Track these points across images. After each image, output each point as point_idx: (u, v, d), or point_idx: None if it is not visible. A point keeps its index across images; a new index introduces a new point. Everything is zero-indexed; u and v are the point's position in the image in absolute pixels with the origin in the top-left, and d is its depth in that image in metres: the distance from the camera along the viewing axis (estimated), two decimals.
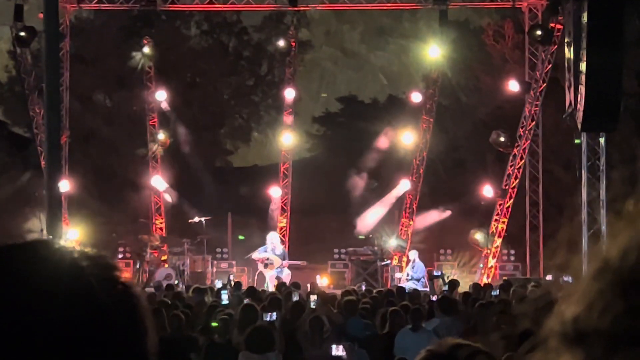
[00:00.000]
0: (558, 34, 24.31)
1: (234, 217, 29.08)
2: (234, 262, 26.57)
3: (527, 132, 25.99)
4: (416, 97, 27.30)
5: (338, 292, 17.95)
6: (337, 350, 9.84)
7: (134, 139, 28.47)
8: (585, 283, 1.04)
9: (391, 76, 44.09)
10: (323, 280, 24.35)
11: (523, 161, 26.25)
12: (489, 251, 25.98)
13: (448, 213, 27.72)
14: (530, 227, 26.72)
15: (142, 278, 24.57)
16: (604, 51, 18.19)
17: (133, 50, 27.45)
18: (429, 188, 28.13)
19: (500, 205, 26.12)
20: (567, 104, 21.27)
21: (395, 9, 30.02)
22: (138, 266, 25.22)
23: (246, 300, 13.97)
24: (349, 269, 25.83)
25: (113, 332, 1.27)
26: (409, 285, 22.10)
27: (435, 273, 23.23)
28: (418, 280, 23.79)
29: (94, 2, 26.74)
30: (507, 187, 26.08)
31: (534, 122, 26.03)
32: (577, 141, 20.25)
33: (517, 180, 26.23)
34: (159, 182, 27.38)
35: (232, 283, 20.87)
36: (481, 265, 26.16)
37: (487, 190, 26.40)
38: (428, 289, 22.25)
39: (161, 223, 27.43)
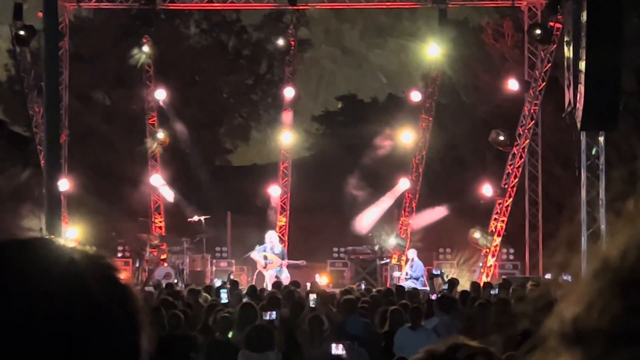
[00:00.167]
0: (557, 32, 24.32)
1: (233, 216, 29.09)
2: (233, 261, 26.57)
3: (526, 131, 26.00)
4: (415, 96, 27.31)
5: (337, 291, 17.96)
6: (337, 349, 9.85)
7: (133, 137, 28.46)
8: (584, 283, 1.04)
9: (390, 75, 44.09)
10: (322, 279, 24.36)
11: (522, 160, 26.26)
12: (488, 250, 25.99)
13: (445, 212, 27.72)
14: (530, 226, 26.73)
15: (141, 277, 24.57)
16: (603, 50, 18.18)
17: (132, 49, 27.43)
18: (428, 187, 28.13)
19: (499, 204, 26.13)
20: (567, 102, 21.27)
21: (394, 8, 30.04)
22: (137, 265, 25.22)
23: (245, 299, 13.99)
24: (348, 268, 25.83)
25: (108, 329, 1.27)
26: (407, 284, 22.11)
27: (434, 272, 23.27)
28: (417, 279, 23.80)
29: (93, 1, 26.73)
30: (506, 186, 26.09)
31: (533, 121, 26.04)
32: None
33: (517, 179, 26.24)
34: (158, 180, 27.38)
35: (223, 283, 20.93)
36: (480, 264, 26.17)
37: (487, 189, 26.40)
38: (427, 288, 22.28)
39: (160, 222, 27.43)
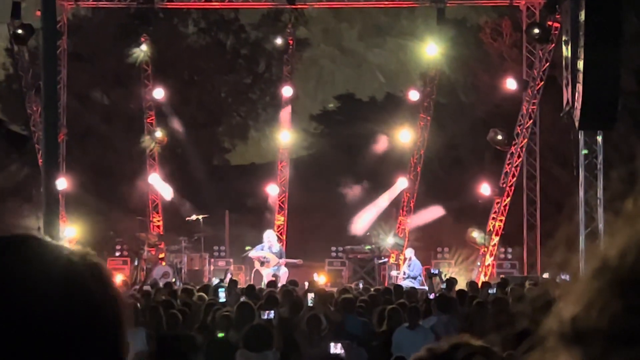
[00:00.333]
0: (556, 32, 24.33)
1: (231, 215, 29.08)
2: (231, 260, 26.57)
3: (524, 130, 26.01)
4: (414, 95, 27.31)
5: (335, 290, 17.96)
6: (336, 348, 9.85)
7: (131, 137, 28.45)
8: (583, 282, 1.03)
9: (389, 74, 44.06)
10: (320, 278, 24.35)
11: (521, 159, 26.27)
12: (486, 249, 25.99)
13: (443, 211, 27.74)
14: (528, 225, 26.73)
15: (139, 276, 24.56)
16: (602, 49, 18.19)
17: (131, 48, 27.41)
18: (426, 186, 28.14)
19: (497, 203, 26.14)
20: (565, 102, 21.28)
21: (393, 7, 30.05)
22: (136, 263, 25.21)
23: (242, 298, 13.99)
24: (346, 267, 25.82)
25: (89, 326, 1.27)
26: (405, 283, 22.11)
27: (432, 271, 23.27)
28: (414, 278, 23.81)
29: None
30: (504, 185, 26.10)
31: (531, 120, 26.05)
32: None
33: (515, 179, 26.26)
34: (156, 179, 27.38)
35: (229, 280, 20.90)
36: (478, 264, 26.18)
37: (485, 189, 26.41)
38: (425, 287, 22.29)
39: (159, 221, 27.43)
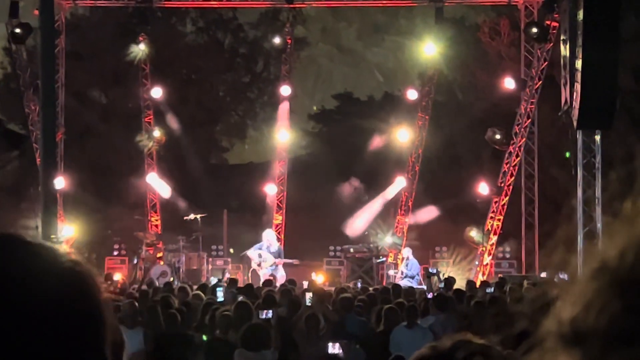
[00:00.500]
0: (554, 31, 24.34)
1: (229, 214, 29.07)
2: (229, 260, 26.57)
3: (522, 129, 26.02)
4: (412, 95, 27.33)
5: (333, 289, 17.94)
6: (334, 348, 9.85)
7: (129, 136, 28.44)
8: (582, 283, 1.03)
9: (387, 73, 44.07)
10: (319, 278, 24.35)
11: (519, 159, 26.28)
12: (484, 249, 26.00)
13: (441, 211, 27.77)
14: (526, 224, 26.75)
15: (137, 275, 24.55)
16: (600, 48, 18.20)
17: (129, 47, 27.40)
18: (424, 185, 28.14)
19: (495, 202, 26.15)
20: (563, 101, 21.29)
21: (391, 6, 30.05)
22: (135, 262, 25.20)
23: (240, 298, 13.98)
24: (344, 266, 25.82)
25: (74, 322, 1.27)
26: (403, 282, 22.12)
27: (430, 270, 23.28)
28: (412, 277, 23.82)
29: None
30: (502, 185, 26.11)
31: (529, 120, 26.07)
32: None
33: (513, 178, 26.27)
34: (154, 178, 27.38)
35: (227, 279, 20.90)
36: (477, 263, 26.19)
37: (483, 188, 26.43)
38: (423, 286, 22.29)
39: (156, 220, 27.43)
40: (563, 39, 21.37)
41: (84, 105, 30.87)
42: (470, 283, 19.16)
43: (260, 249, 23.86)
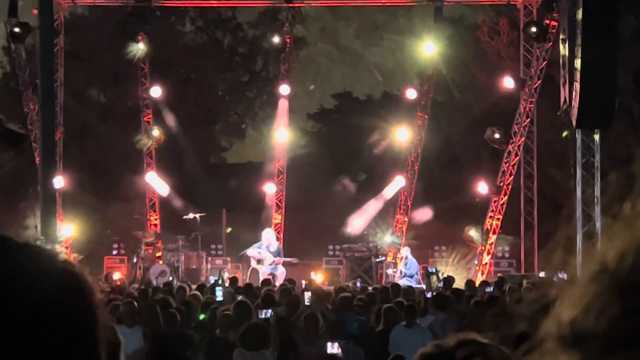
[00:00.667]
0: (553, 30, 24.34)
1: (228, 213, 29.07)
2: (228, 259, 26.56)
3: (522, 129, 26.02)
4: (411, 94, 27.33)
5: (332, 288, 17.94)
6: (333, 348, 9.85)
7: (128, 135, 28.43)
8: (582, 285, 1.03)
9: (386, 73, 44.03)
10: (318, 277, 24.36)
11: (518, 158, 26.29)
12: (483, 248, 26.01)
13: (440, 210, 27.81)
14: (525, 223, 26.76)
15: (137, 275, 24.55)
16: (599, 48, 18.19)
17: (129, 46, 27.39)
18: (423, 185, 28.15)
19: (494, 202, 26.16)
20: (562, 100, 21.28)
21: (390, 5, 30.05)
22: (135, 260, 25.20)
23: (240, 297, 13.97)
24: (343, 266, 25.82)
25: (68, 322, 1.27)
26: (402, 282, 22.12)
27: (430, 270, 23.27)
28: (411, 276, 23.83)
29: None
30: (501, 184, 26.11)
31: (528, 119, 26.07)
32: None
33: (512, 177, 26.27)
34: (153, 178, 27.37)
35: (223, 279, 20.90)
36: (476, 262, 26.19)
37: (482, 187, 26.43)
38: (422, 285, 22.29)
39: (155, 219, 27.42)
40: (562, 39, 21.37)
41: (83, 104, 30.85)
42: (469, 282, 19.16)
43: (259, 247, 23.87)
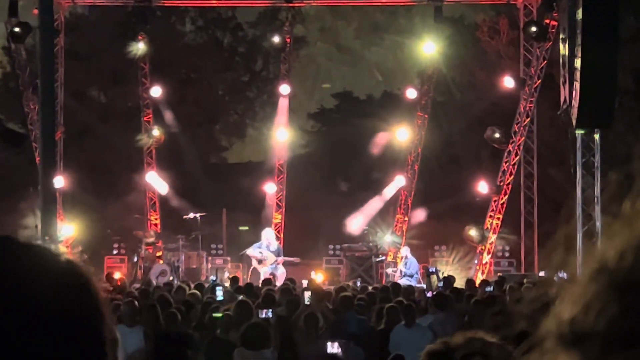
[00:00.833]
0: (553, 30, 24.34)
1: (228, 213, 29.06)
2: (229, 258, 26.56)
3: (522, 128, 26.02)
4: (411, 94, 27.32)
5: (332, 288, 17.94)
6: (332, 347, 9.85)
7: (128, 135, 28.43)
8: (582, 284, 1.04)
9: (386, 72, 44.03)
10: (318, 277, 24.35)
11: (518, 157, 26.28)
12: (483, 247, 26.01)
13: (435, 212, 27.86)
14: (525, 223, 26.76)
15: (137, 274, 24.55)
16: (599, 47, 18.19)
17: (129, 46, 27.38)
18: (424, 184, 28.14)
19: (495, 201, 26.16)
20: (562, 100, 21.28)
21: (390, 5, 30.05)
22: (135, 260, 25.20)
23: (241, 297, 13.97)
24: (343, 265, 25.82)
25: (75, 322, 1.28)
26: (402, 281, 22.11)
27: (430, 269, 23.27)
28: (411, 276, 23.82)
29: None
30: (501, 184, 26.11)
31: (528, 119, 26.06)
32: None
33: (512, 177, 26.27)
34: (153, 177, 27.37)
35: (220, 280, 20.90)
36: (476, 262, 26.20)
37: (482, 187, 26.43)
38: (422, 285, 22.29)
39: (156, 219, 27.42)
40: (562, 38, 21.36)
41: (83, 104, 30.86)
42: (469, 282, 19.16)
43: (259, 247, 23.85)
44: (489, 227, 26.06)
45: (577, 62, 18.88)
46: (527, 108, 25.88)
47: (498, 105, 27.87)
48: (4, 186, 29.15)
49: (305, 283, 19.82)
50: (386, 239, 26.36)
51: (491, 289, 17.40)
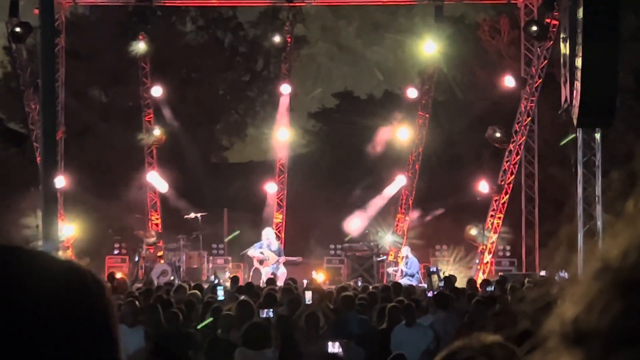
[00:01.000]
0: (554, 29, 24.34)
1: (229, 213, 29.07)
2: (229, 258, 26.57)
3: (522, 127, 26.02)
4: (412, 93, 27.33)
5: (334, 287, 17.94)
6: (333, 347, 9.85)
7: (129, 134, 28.45)
8: (585, 283, 1.03)
9: (387, 72, 44.04)
10: (319, 276, 24.36)
11: (519, 157, 26.28)
12: (484, 247, 26.01)
13: (436, 211, 27.85)
14: (526, 222, 26.76)
15: (139, 274, 24.56)
16: (600, 47, 18.19)
17: (129, 45, 27.39)
18: (424, 184, 28.14)
19: (496, 200, 26.16)
20: (563, 99, 21.28)
21: (390, 5, 30.05)
22: (137, 259, 25.21)
23: (242, 297, 13.97)
24: (344, 265, 25.83)
25: (85, 325, 1.28)
26: (403, 281, 22.11)
27: (431, 269, 23.28)
28: (412, 276, 23.82)
29: None
30: (502, 183, 26.11)
31: (529, 118, 26.06)
32: (571, 137, 20.19)
33: (513, 176, 26.27)
34: (154, 177, 27.37)
35: (218, 280, 20.90)
36: (477, 261, 26.20)
37: (483, 186, 26.43)
38: (423, 285, 22.30)
39: (157, 219, 27.43)
40: (563, 37, 21.36)
41: (84, 104, 30.86)
42: (471, 281, 19.16)
43: (260, 247, 23.85)
44: (490, 227, 26.05)
45: (578, 62, 18.88)
46: (528, 107, 25.88)
47: (499, 104, 27.86)
48: (5, 186, 29.15)
49: (306, 283, 19.86)
50: (387, 238, 26.37)
51: (492, 288, 17.40)
